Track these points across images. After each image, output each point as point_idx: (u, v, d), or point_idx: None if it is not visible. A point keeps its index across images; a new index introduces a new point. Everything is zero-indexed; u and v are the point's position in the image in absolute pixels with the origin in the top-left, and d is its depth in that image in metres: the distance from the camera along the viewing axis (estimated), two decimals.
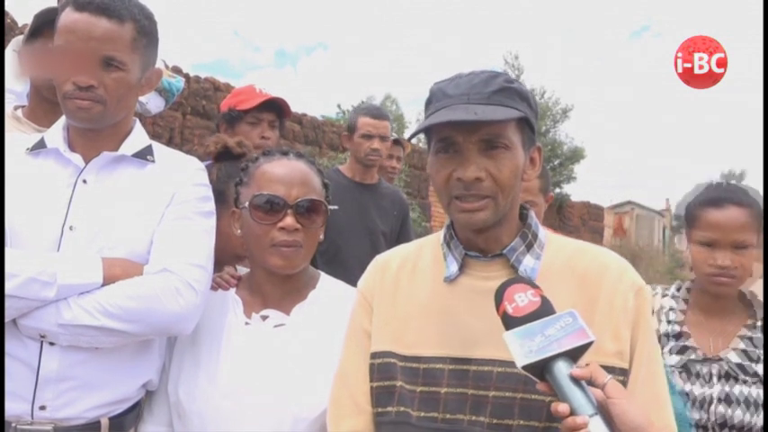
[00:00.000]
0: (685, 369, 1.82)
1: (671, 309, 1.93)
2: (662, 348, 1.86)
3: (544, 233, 1.35)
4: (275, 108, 2.70)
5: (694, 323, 1.89)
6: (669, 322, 1.91)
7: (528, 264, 1.27)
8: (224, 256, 1.74)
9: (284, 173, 1.52)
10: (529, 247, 1.29)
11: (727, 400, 1.75)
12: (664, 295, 1.98)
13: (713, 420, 1.76)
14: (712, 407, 1.75)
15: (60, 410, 1.40)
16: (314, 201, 1.51)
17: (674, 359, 1.85)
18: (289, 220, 1.46)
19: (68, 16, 1.43)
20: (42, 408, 1.39)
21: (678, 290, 1.98)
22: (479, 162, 1.20)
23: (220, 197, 1.70)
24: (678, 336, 1.87)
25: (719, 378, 1.79)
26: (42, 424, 1.40)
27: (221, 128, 2.71)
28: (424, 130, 1.28)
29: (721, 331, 1.85)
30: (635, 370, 1.20)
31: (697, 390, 1.79)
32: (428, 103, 1.29)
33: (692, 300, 1.93)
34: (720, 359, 1.80)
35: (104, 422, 1.46)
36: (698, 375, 1.80)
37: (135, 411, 1.54)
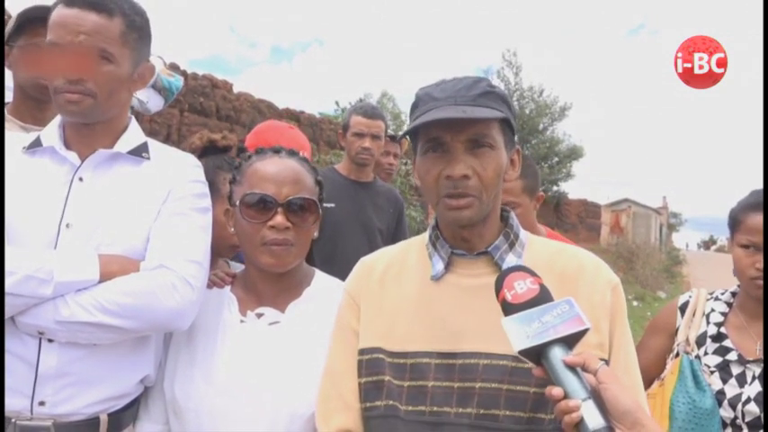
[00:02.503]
0: (722, 369, 1.85)
1: (712, 311, 1.96)
2: (700, 349, 1.90)
3: (525, 234, 1.41)
4: None
5: (736, 326, 1.91)
6: (709, 324, 1.94)
7: (511, 262, 1.32)
8: (220, 247, 1.75)
9: (275, 171, 1.52)
10: (511, 245, 1.35)
11: (761, 400, 1.76)
12: (715, 299, 2.01)
13: (744, 419, 1.77)
14: (747, 406, 1.77)
15: (59, 406, 1.42)
16: (305, 199, 1.51)
17: (711, 359, 1.87)
18: (279, 219, 1.47)
19: (58, 12, 1.45)
20: (42, 403, 1.41)
21: (723, 293, 2.01)
22: (467, 160, 1.26)
23: (211, 187, 1.72)
24: (717, 337, 1.90)
25: (754, 379, 1.80)
26: (42, 419, 1.41)
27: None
28: (412, 132, 1.32)
29: None
30: (614, 360, 1.26)
31: (730, 390, 1.81)
32: (414, 107, 1.34)
33: (737, 303, 1.96)
34: (762, 361, 1.81)
35: (103, 418, 1.47)
36: (734, 376, 1.83)
37: (133, 408, 1.55)
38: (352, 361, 1.35)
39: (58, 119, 1.57)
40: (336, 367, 1.38)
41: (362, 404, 1.32)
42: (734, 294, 1.99)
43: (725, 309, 1.96)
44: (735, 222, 1.93)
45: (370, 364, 1.32)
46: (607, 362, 1.24)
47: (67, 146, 1.53)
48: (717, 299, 1.99)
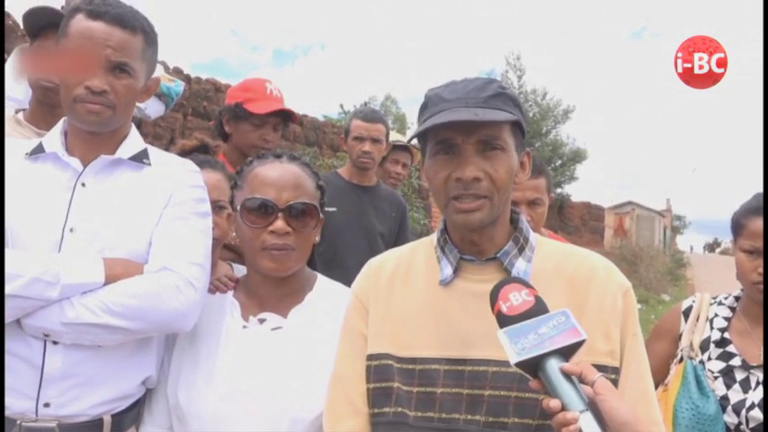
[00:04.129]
0: (726, 375, 1.84)
1: (716, 315, 1.95)
2: (704, 354, 1.90)
3: (534, 236, 1.39)
4: (281, 113, 2.74)
5: (739, 331, 1.91)
6: (713, 329, 1.93)
7: (520, 267, 1.30)
8: None
9: (276, 176, 1.53)
10: (521, 250, 1.33)
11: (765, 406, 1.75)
12: (718, 303, 2.00)
13: (748, 425, 1.76)
14: (751, 412, 1.76)
15: (64, 407, 1.44)
16: (305, 204, 1.52)
17: (715, 365, 1.86)
18: (279, 224, 1.47)
19: (82, 23, 1.48)
20: (47, 405, 1.42)
21: (726, 298, 2.00)
22: (477, 163, 1.24)
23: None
24: (720, 342, 1.89)
25: (758, 384, 1.80)
26: (47, 421, 1.43)
27: (224, 118, 2.72)
28: (421, 133, 1.30)
29: None
30: (625, 368, 1.24)
31: (734, 395, 1.80)
32: (423, 108, 1.32)
33: (741, 308, 1.95)
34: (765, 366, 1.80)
35: (107, 419, 1.49)
36: (738, 381, 1.82)
37: (135, 410, 1.56)
38: (360, 365, 1.34)
39: (60, 125, 1.60)
40: (344, 371, 1.37)
41: (371, 410, 1.31)
42: (737, 299, 1.98)
43: (728, 314, 1.95)
44: (737, 226, 1.92)
45: (379, 371, 1.31)
46: (618, 370, 1.23)
47: (70, 152, 1.56)
48: (720, 303, 1.98)
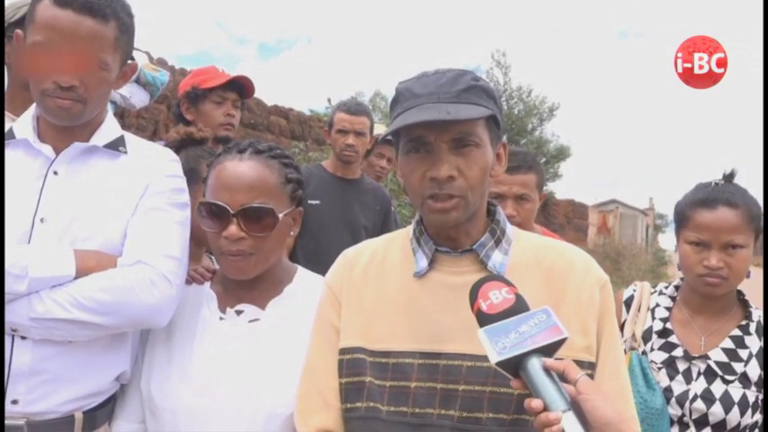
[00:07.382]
0: (669, 366, 1.83)
1: (657, 305, 1.95)
2: (646, 344, 1.89)
3: (512, 229, 1.37)
4: (238, 87, 2.77)
5: (680, 321, 1.90)
6: (654, 319, 1.92)
7: (497, 259, 1.29)
8: (202, 238, 1.72)
9: (232, 177, 1.43)
10: (497, 242, 1.31)
11: (708, 397, 1.76)
12: (659, 293, 1.99)
13: (691, 417, 1.77)
14: (694, 403, 1.76)
15: (33, 404, 1.39)
16: (260, 207, 1.42)
17: (657, 355, 1.86)
18: (232, 229, 1.40)
19: (49, 11, 1.39)
20: (14, 402, 1.38)
21: (666, 287, 1.99)
22: (451, 160, 1.22)
23: (194, 175, 1.70)
24: (662, 333, 1.88)
25: (699, 375, 1.80)
26: (15, 418, 1.38)
27: (183, 107, 2.75)
28: (393, 131, 1.27)
29: (715, 330, 1.85)
30: (601, 363, 1.24)
31: (677, 386, 1.80)
32: (395, 102, 1.29)
33: (681, 298, 1.94)
34: (706, 357, 1.80)
35: (78, 416, 1.45)
36: (680, 372, 1.81)
37: (109, 406, 1.52)
38: (332, 358, 1.32)
39: (31, 110, 1.54)
40: (316, 365, 1.35)
41: (343, 405, 1.29)
42: (677, 288, 1.97)
43: (669, 303, 1.94)
44: (682, 218, 1.89)
45: (351, 365, 1.30)
46: (594, 365, 1.22)
47: (42, 138, 1.50)
48: (661, 293, 1.98)
